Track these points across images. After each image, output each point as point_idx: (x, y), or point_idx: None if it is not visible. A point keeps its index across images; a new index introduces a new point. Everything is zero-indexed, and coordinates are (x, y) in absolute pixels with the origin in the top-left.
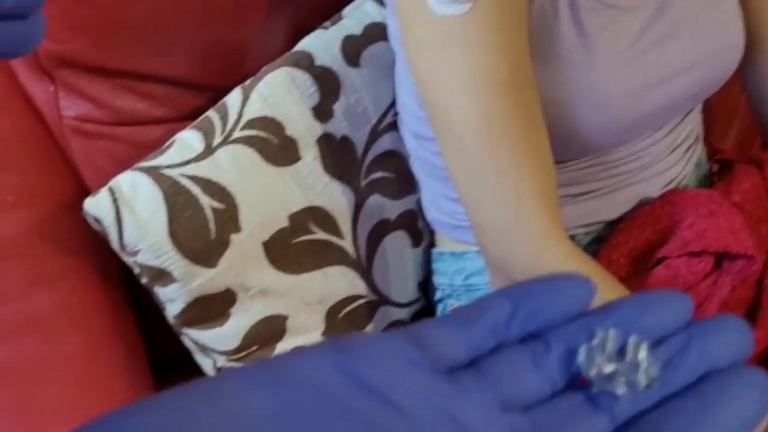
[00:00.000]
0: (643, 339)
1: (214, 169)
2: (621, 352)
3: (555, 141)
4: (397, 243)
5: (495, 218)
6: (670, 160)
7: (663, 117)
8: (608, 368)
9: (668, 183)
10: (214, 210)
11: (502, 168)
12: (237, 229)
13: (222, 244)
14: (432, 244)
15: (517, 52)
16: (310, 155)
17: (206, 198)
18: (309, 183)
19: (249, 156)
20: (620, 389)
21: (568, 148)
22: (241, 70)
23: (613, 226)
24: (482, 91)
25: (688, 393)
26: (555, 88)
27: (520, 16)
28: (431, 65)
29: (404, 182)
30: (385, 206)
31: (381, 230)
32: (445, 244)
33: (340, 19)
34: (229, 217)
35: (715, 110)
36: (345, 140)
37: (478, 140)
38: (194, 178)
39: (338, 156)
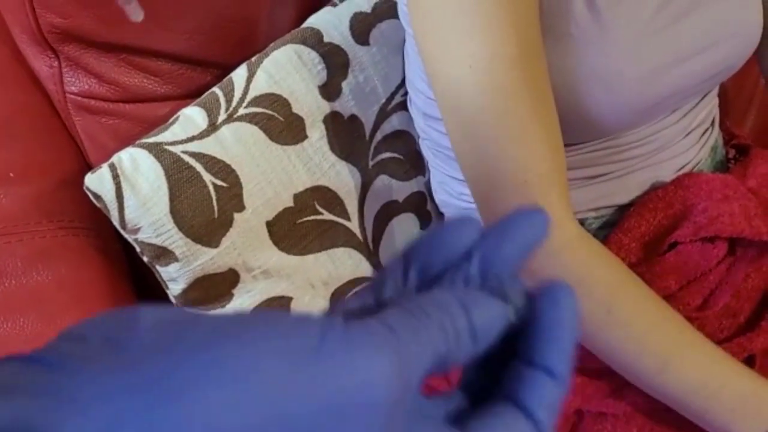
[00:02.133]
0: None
1: (217, 146)
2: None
3: (565, 123)
4: (404, 225)
5: (500, 201)
6: (684, 144)
7: (678, 99)
8: None
9: (682, 167)
10: (217, 188)
11: (508, 147)
12: (240, 207)
13: (225, 223)
14: None
15: (528, 28)
16: (316, 134)
17: (209, 176)
18: (315, 162)
19: (253, 134)
20: None
21: (578, 130)
22: (249, 48)
23: (624, 210)
24: (490, 67)
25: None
26: (566, 68)
27: None
28: (439, 40)
29: (413, 163)
30: (392, 187)
31: (388, 212)
32: None
33: None
34: (232, 196)
35: (732, 96)
36: (353, 119)
37: (484, 117)
38: (197, 155)
39: (345, 135)
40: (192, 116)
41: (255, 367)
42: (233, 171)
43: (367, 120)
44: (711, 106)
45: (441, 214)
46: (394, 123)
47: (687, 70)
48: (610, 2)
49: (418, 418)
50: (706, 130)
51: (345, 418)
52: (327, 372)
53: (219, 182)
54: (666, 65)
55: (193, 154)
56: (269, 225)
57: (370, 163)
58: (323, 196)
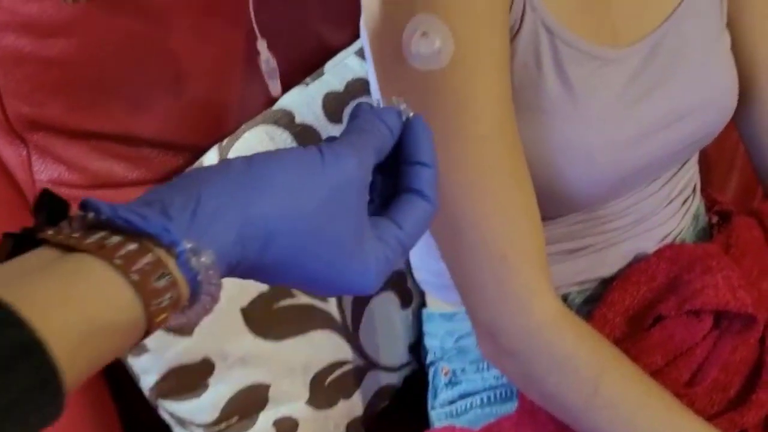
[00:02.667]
0: None
1: None
2: None
3: (542, 197)
4: (385, 304)
5: (479, 279)
6: (665, 214)
7: (655, 170)
8: None
9: (664, 237)
10: None
11: (484, 225)
12: None
13: None
14: (423, 305)
15: (500, 105)
16: None
17: None
18: None
19: None
20: None
21: (556, 204)
22: (221, 129)
23: (607, 283)
24: (462, 145)
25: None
26: (539, 141)
27: (503, 68)
28: None
29: None
30: None
31: None
32: (434, 304)
33: (321, 74)
34: None
35: (712, 160)
36: None
37: (459, 195)
38: None
39: None
40: None
41: (287, 177)
42: None
43: None
44: (692, 173)
45: (422, 293)
46: None
47: (662, 140)
48: (583, 78)
49: None
50: (688, 197)
51: (342, 197)
52: (328, 172)
53: None
54: (640, 137)
55: None
56: (244, 311)
57: None
58: None
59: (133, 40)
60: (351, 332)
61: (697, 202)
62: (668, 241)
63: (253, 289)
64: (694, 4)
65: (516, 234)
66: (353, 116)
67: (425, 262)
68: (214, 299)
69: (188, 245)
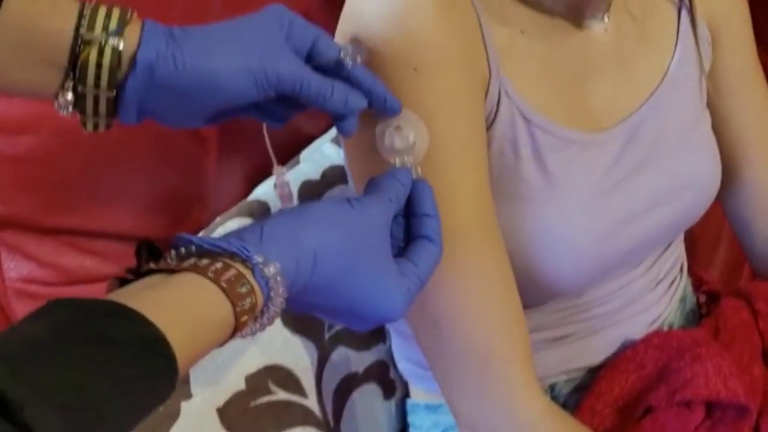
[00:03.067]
0: None
1: None
2: None
3: (522, 286)
4: (367, 397)
5: (460, 377)
6: (652, 298)
7: (639, 254)
8: None
9: (652, 322)
10: None
11: (463, 322)
12: (187, 396)
13: (171, 415)
14: (406, 395)
15: (477, 196)
16: None
17: None
18: (267, 340)
19: None
20: None
21: (536, 292)
22: (195, 221)
23: (595, 372)
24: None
25: None
26: (519, 230)
27: (479, 159)
28: None
29: (372, 332)
30: (351, 359)
31: (348, 384)
32: (419, 395)
33: (297, 163)
34: (178, 384)
35: (698, 235)
36: None
37: (435, 290)
38: None
39: None
40: None
41: (326, 214)
42: None
43: None
44: (678, 253)
45: (405, 383)
46: None
47: (644, 225)
48: (562, 164)
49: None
50: (675, 278)
51: (369, 234)
52: (357, 215)
53: None
54: (621, 222)
55: None
56: (220, 411)
57: (326, 336)
58: (278, 374)
59: (103, 134)
60: (332, 427)
61: (684, 282)
62: (656, 325)
63: (228, 388)
64: (672, 85)
65: (497, 331)
66: (370, 181)
67: (406, 352)
68: (282, 303)
69: (259, 258)
